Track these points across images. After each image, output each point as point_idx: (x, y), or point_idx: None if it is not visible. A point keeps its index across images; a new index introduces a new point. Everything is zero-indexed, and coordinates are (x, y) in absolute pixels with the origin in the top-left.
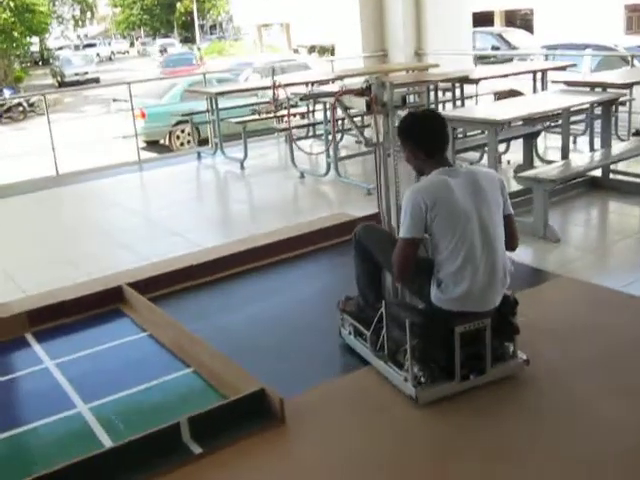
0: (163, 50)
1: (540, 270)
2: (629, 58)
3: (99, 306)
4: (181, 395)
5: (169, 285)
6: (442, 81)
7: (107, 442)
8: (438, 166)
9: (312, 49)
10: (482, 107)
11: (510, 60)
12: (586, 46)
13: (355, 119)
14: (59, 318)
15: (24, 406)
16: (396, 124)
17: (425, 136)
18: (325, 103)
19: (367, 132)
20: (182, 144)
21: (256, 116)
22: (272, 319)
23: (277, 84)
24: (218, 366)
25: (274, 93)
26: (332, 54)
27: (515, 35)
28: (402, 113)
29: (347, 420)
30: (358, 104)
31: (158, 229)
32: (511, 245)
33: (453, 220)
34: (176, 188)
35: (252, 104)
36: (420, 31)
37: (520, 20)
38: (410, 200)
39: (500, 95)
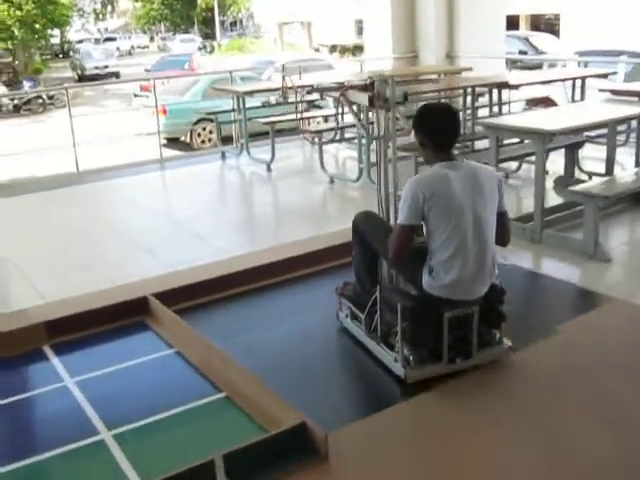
0: (202, 47)
1: (593, 292)
2: None
3: (122, 318)
4: (214, 425)
5: (196, 297)
6: (481, 86)
7: (134, 478)
8: (443, 159)
9: (333, 48)
10: (528, 116)
11: (539, 65)
12: (621, 52)
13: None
14: (80, 330)
15: (41, 431)
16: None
17: (435, 129)
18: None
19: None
20: (203, 142)
21: (285, 117)
22: (306, 339)
23: (287, 85)
24: (253, 392)
25: (284, 90)
26: (353, 54)
27: (542, 39)
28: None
29: (393, 457)
30: (361, 99)
31: (182, 233)
32: (503, 241)
33: (448, 212)
34: (200, 189)
35: (279, 104)
36: (452, 33)
37: (544, 24)
38: (410, 190)
39: (533, 102)
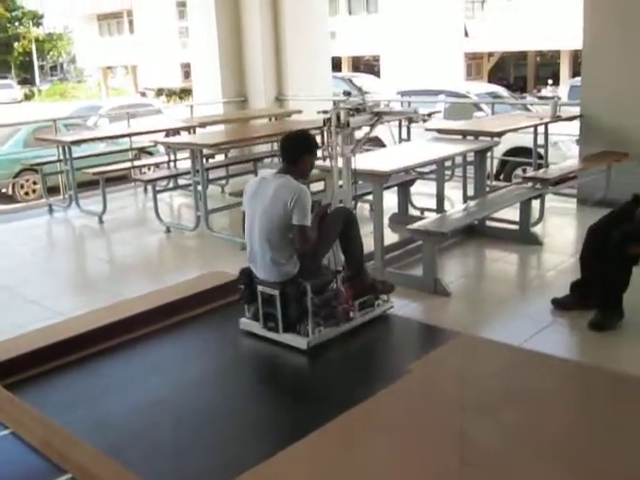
0: None
1: (438, 328)
2: (482, 105)
3: None
4: None
5: (29, 368)
6: (313, 129)
7: None
8: (279, 171)
9: (160, 92)
10: (363, 158)
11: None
12: (439, 92)
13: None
14: None
15: None
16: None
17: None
18: (193, 151)
19: None
20: (27, 193)
21: (116, 166)
22: (158, 405)
23: None
24: (101, 471)
25: None
26: (180, 98)
27: (364, 80)
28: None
29: None
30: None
31: (10, 296)
32: (299, 247)
33: (247, 205)
34: (27, 247)
35: (109, 152)
36: (280, 76)
37: (364, 65)
38: None
39: (361, 142)
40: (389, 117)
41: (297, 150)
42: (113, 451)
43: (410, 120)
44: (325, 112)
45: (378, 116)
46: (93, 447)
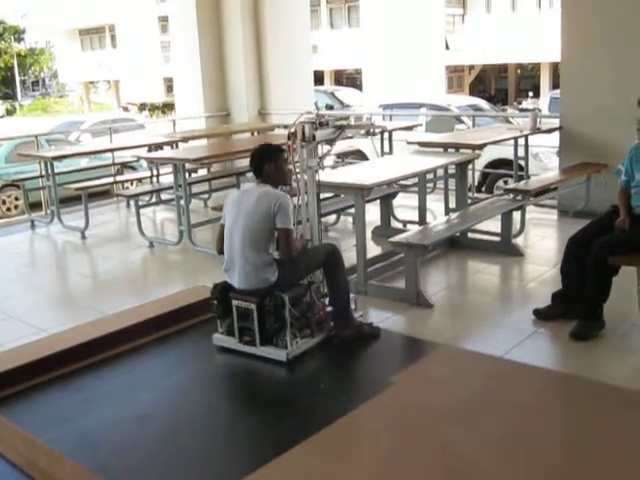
0: None
1: (420, 340)
2: (463, 118)
3: None
4: None
5: (13, 385)
6: None
7: None
8: (257, 182)
9: (142, 107)
10: (346, 171)
11: (346, 118)
12: (421, 105)
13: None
14: None
15: None
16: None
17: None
18: (175, 165)
19: None
20: (9, 209)
21: (99, 181)
22: (141, 421)
23: None
24: None
25: None
26: (163, 112)
27: (346, 93)
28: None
29: None
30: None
31: None
32: (281, 252)
33: (228, 215)
34: (9, 263)
35: (91, 167)
36: (263, 90)
37: (346, 79)
38: None
39: (345, 155)
40: (350, 131)
41: (258, 162)
42: (97, 468)
43: (368, 133)
44: (285, 127)
45: (340, 129)
46: (78, 465)
